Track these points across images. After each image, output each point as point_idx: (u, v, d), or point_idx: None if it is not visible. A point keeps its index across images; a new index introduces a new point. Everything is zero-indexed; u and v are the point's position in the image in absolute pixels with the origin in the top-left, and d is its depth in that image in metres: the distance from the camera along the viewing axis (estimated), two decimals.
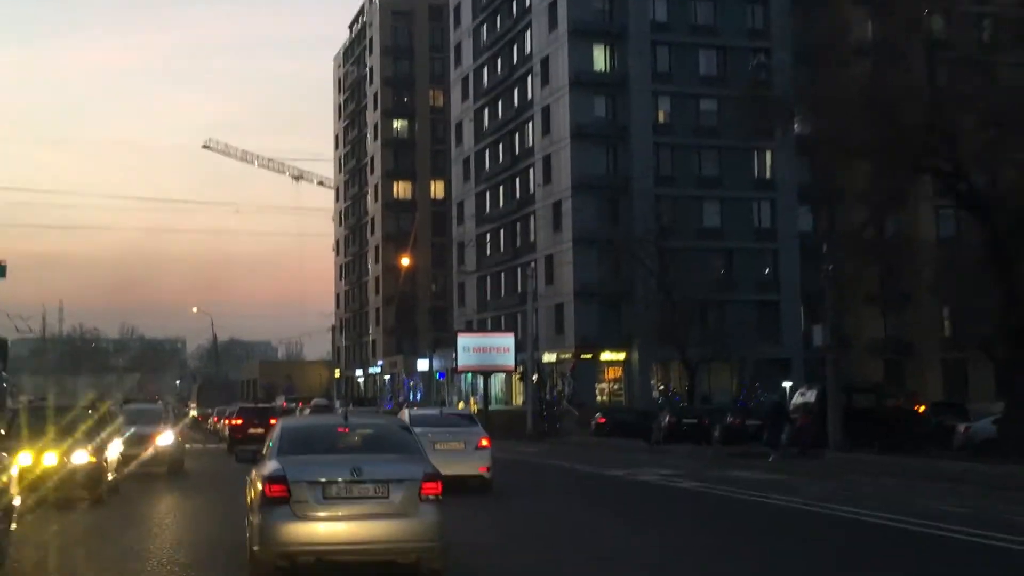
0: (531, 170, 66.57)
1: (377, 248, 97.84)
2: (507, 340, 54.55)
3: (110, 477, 16.60)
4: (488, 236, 73.35)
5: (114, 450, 17.35)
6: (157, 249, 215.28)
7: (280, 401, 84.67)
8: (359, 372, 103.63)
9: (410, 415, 20.24)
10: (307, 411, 43.26)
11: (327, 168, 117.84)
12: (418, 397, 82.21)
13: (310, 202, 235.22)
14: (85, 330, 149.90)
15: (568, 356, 59.73)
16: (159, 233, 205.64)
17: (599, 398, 60.66)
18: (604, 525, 14.79)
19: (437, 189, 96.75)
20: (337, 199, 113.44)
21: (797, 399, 33.18)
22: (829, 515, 15.54)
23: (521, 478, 24.88)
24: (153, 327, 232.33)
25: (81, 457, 14.97)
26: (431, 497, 9.09)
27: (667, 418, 39.48)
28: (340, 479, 8.96)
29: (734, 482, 20.89)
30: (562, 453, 35.09)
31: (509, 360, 54.02)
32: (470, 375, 75.75)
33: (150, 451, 21.47)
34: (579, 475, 24.81)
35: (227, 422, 36.06)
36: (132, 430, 20.97)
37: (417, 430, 16.85)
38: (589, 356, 60.21)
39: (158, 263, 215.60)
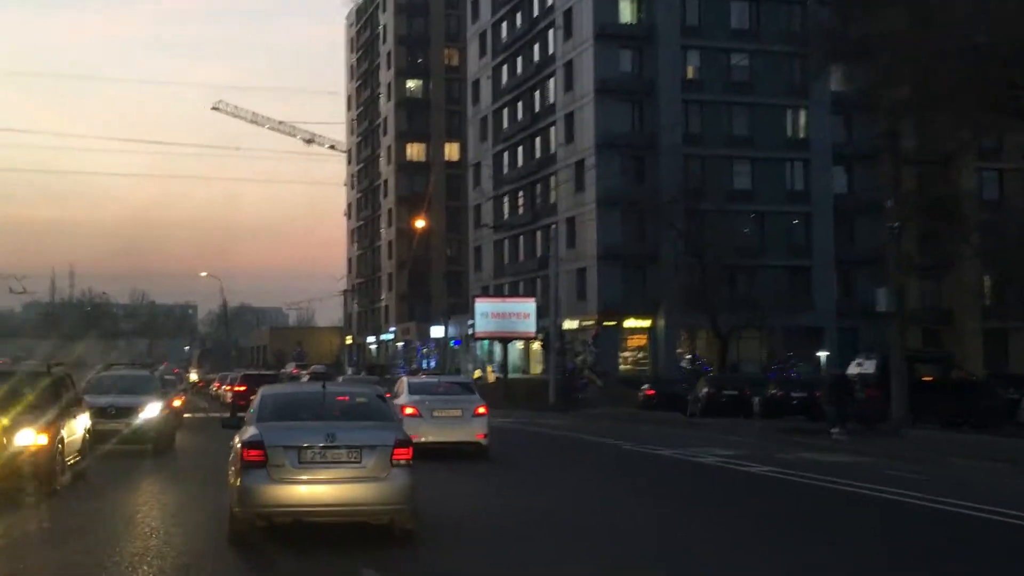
0: (552, 128, 63.30)
1: (390, 211, 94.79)
2: (528, 305, 51.61)
3: (70, 462, 13.26)
4: (506, 198, 70.20)
5: (79, 427, 14.00)
6: (167, 215, 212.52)
7: (290, 368, 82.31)
8: (371, 339, 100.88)
9: (409, 383, 20.34)
10: (306, 378, 40.94)
11: (338, 133, 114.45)
12: (432, 364, 79.42)
13: (321, 168, 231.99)
14: (94, 294, 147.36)
15: (590, 323, 56.72)
16: (168, 198, 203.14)
17: (622, 367, 57.72)
18: (686, 528, 11.83)
19: (452, 151, 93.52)
20: (349, 162, 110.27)
21: (854, 369, 30.11)
22: (953, 512, 12.62)
23: (550, 455, 22.07)
24: (164, 293, 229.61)
25: (27, 438, 11.80)
26: (402, 462, 9.44)
27: (705, 389, 36.44)
28: (315, 444, 9.30)
29: (810, 466, 17.85)
30: (592, 427, 32.16)
31: (530, 326, 51.12)
32: (486, 342, 73.09)
33: (132, 425, 18.13)
34: (621, 454, 21.90)
35: (228, 388, 35.94)
36: (109, 400, 18.03)
37: (415, 398, 18.36)
38: (612, 323, 57.19)
39: (168, 230, 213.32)
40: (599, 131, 57.12)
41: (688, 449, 21.79)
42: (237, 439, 9.87)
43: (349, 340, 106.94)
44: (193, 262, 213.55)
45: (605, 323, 56.87)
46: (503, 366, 52.87)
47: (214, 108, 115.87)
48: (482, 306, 51.72)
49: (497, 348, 70.88)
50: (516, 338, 52.85)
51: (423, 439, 16.52)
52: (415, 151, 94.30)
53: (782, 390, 34.77)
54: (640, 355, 59.15)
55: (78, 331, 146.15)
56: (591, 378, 51.45)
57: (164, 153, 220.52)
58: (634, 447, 22.65)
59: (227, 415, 31.22)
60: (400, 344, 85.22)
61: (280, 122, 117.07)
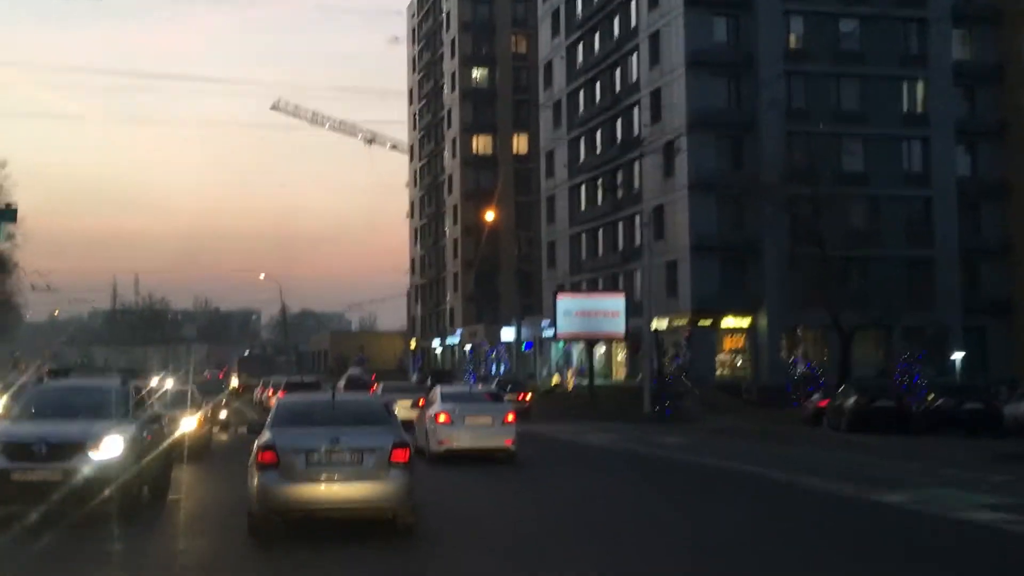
0: (636, 108, 56.89)
1: (455, 208, 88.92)
2: (616, 302, 45.35)
3: None
4: (583, 188, 63.91)
5: None
6: (229, 223, 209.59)
7: (351, 372, 76.65)
8: (436, 343, 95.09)
9: (442, 392, 20.85)
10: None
11: (400, 132, 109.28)
12: (502, 370, 73.40)
13: (382, 170, 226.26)
14: (154, 300, 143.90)
15: (683, 322, 50.18)
16: (229, 205, 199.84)
17: (719, 372, 51.10)
18: None
19: (520, 143, 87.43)
20: (412, 159, 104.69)
21: None
22: None
23: (730, 505, 14.52)
24: (227, 300, 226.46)
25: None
26: (399, 463, 10.50)
27: (852, 398, 29.82)
28: (321, 447, 10.36)
29: None
30: (721, 447, 25.78)
31: (618, 326, 44.86)
32: (561, 344, 66.83)
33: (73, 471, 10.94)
34: (826, 502, 14.56)
35: (270, 394, 36.92)
36: (34, 432, 11.34)
37: (448, 406, 18.94)
38: (708, 322, 50.64)
39: (230, 237, 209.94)
40: (691, 109, 50.62)
41: (918, 493, 14.85)
42: (255, 443, 10.88)
43: (413, 344, 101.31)
44: (256, 269, 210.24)
45: (699, 322, 50.36)
46: (588, 371, 46.55)
47: (273, 108, 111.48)
48: (565, 303, 45.52)
49: (575, 351, 64.70)
50: (604, 338, 46.60)
51: (455, 444, 18.56)
52: (481, 144, 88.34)
53: (947, 398, 28.04)
54: (737, 359, 52.49)
55: (139, 337, 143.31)
56: (686, 385, 44.98)
57: (224, 161, 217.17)
58: (826, 485, 15.97)
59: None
60: (467, 348, 79.22)
61: (340, 121, 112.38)
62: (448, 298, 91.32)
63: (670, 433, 31.63)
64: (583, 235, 63.74)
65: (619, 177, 59.12)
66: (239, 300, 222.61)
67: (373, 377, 70.62)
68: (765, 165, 48.67)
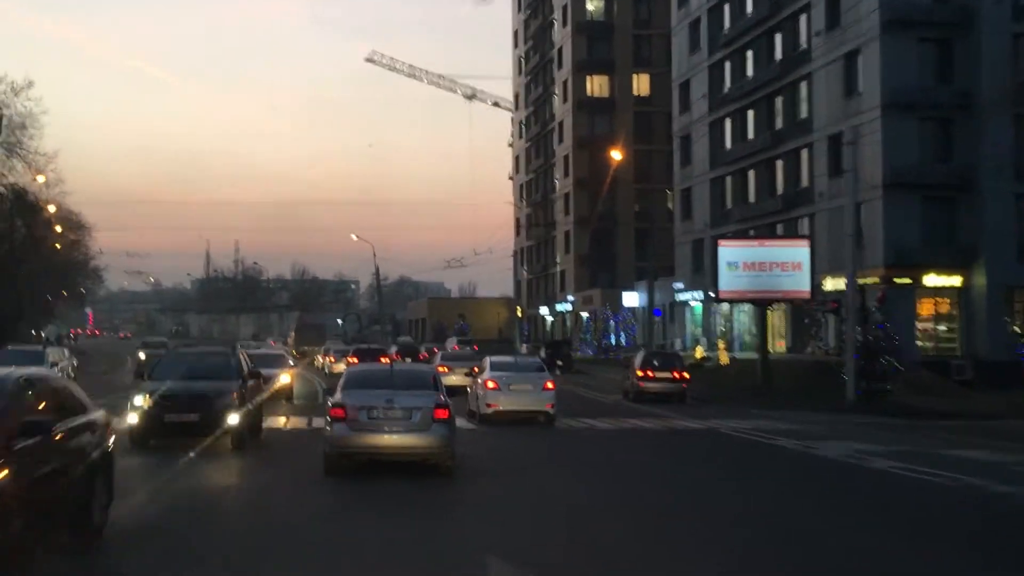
0: (802, 16, 45.11)
1: (567, 159, 77.87)
2: (798, 251, 33.83)
3: None
4: (728, 122, 52.33)
5: None
6: (324, 190, 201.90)
7: (452, 343, 67.01)
8: (544, 310, 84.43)
9: (491, 362, 22.93)
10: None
11: (503, 89, 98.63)
12: (622, 339, 62.42)
13: (484, 130, 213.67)
14: (246, 267, 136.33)
15: (872, 281, 38.40)
16: (324, 172, 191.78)
17: (920, 343, 39.33)
18: None
19: (641, 84, 75.84)
20: (516, 107, 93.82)
21: None
22: None
23: None
24: (325, 269, 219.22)
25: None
26: (441, 419, 13.01)
27: None
28: (379, 405, 13.02)
29: None
30: None
31: (801, 282, 33.43)
32: (697, 309, 55.56)
33: None
34: None
35: (331, 360, 40.78)
36: None
37: (496, 374, 21.73)
38: (905, 280, 38.90)
39: (325, 203, 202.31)
40: (882, 4, 38.69)
41: None
42: (329, 401, 14.09)
43: (519, 312, 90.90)
44: (355, 240, 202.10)
45: (895, 280, 38.63)
46: (761, 339, 35.18)
47: (368, 60, 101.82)
48: (729, 252, 34.15)
49: (718, 317, 53.34)
50: (782, 299, 35.22)
51: (501, 407, 21.29)
52: (596, 85, 76.97)
53: None
54: (942, 327, 40.61)
55: (233, 305, 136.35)
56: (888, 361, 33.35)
57: (318, 127, 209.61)
58: None
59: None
60: (584, 315, 68.27)
61: (440, 75, 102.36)
62: (558, 260, 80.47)
63: (931, 434, 20.55)
64: (728, 179, 52.24)
65: (778, 103, 47.38)
66: (338, 269, 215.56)
67: (476, 348, 61.18)
68: (983, 75, 36.80)
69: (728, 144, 52.05)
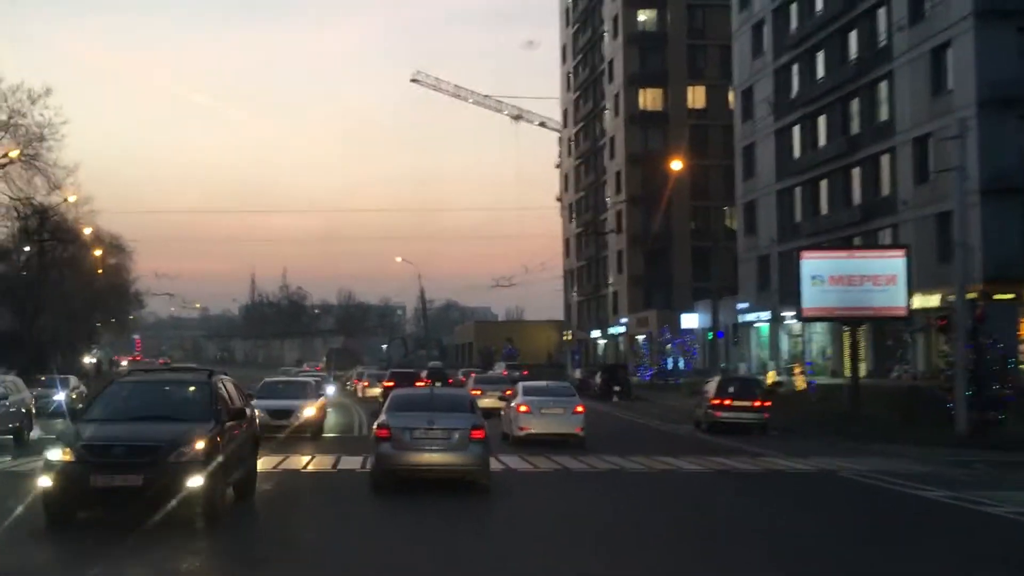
0: (880, 10, 41.24)
1: (618, 175, 74.21)
2: (893, 262, 29.78)
3: None
4: (796, 130, 48.49)
5: None
6: (368, 216, 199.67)
7: (500, 368, 63.37)
8: (596, 333, 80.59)
9: (523, 387, 23.78)
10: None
11: (550, 110, 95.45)
12: (683, 364, 58.41)
13: (531, 152, 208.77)
14: (291, 292, 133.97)
15: (971, 296, 34.14)
16: (369, 197, 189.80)
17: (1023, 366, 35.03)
18: None
19: (696, 96, 72.12)
20: (565, 124, 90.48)
21: None
22: None
23: None
24: (371, 294, 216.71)
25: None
26: (478, 439, 13.97)
27: None
28: (421, 426, 13.94)
29: None
30: None
31: (896, 298, 29.43)
32: (764, 330, 51.55)
33: None
34: None
35: (366, 384, 42.58)
36: None
37: (528, 398, 22.36)
38: (1008, 296, 34.70)
39: (370, 227, 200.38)
40: None
41: None
42: (375, 423, 14.85)
43: (568, 335, 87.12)
44: (399, 262, 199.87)
45: (996, 295, 34.41)
46: (853, 360, 31.10)
47: (413, 80, 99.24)
48: (814, 265, 30.24)
49: (785, 339, 49.25)
50: (872, 318, 31.16)
51: (532, 430, 21.73)
52: (649, 98, 73.36)
53: None
54: None
55: (278, 331, 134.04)
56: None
57: (363, 150, 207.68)
58: None
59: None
60: (640, 338, 64.38)
61: (485, 95, 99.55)
62: (610, 281, 76.68)
63: None
64: (796, 190, 48.32)
65: (854, 106, 43.46)
66: (384, 294, 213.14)
67: (525, 373, 57.68)
68: None
69: (796, 152, 48.17)
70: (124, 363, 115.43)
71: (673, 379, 52.02)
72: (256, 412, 14.56)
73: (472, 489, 13.97)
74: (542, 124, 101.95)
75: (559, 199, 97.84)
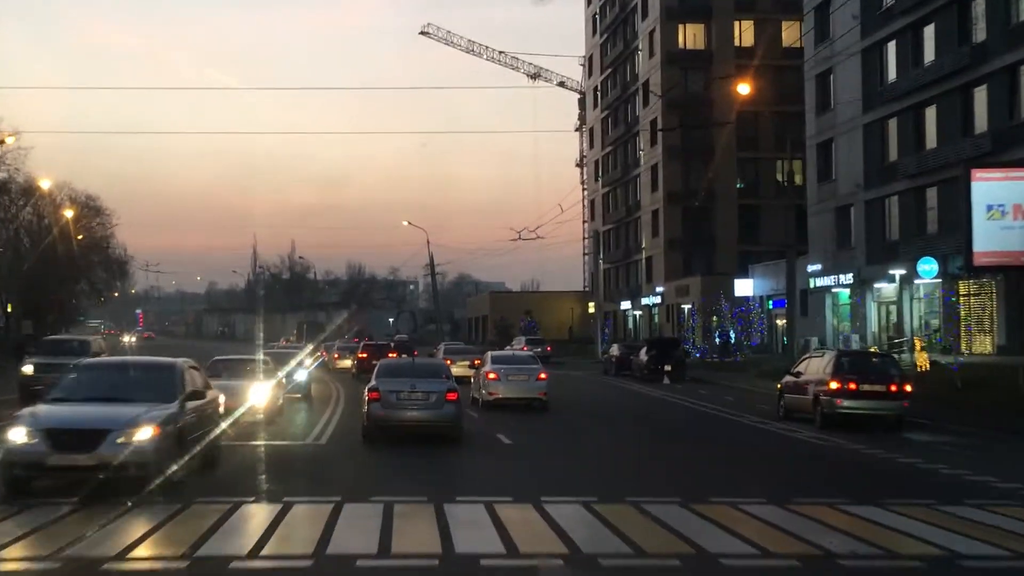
0: None
1: (653, 125, 64.20)
2: None
3: None
4: (892, 45, 38.41)
5: None
6: (384, 187, 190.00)
7: (520, 343, 54.30)
8: (626, 304, 70.82)
9: (491, 356, 25.40)
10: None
11: (569, 69, 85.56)
12: (731, 336, 48.59)
13: (549, 116, 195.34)
14: (293, 263, 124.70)
15: None
16: (383, 168, 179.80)
17: None
18: None
19: (744, 32, 61.90)
20: (589, 72, 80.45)
21: None
22: None
23: None
24: (384, 268, 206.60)
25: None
26: (451, 400, 16.34)
27: None
28: (404, 390, 16.34)
29: None
30: None
31: None
32: (843, 296, 41.79)
33: None
34: None
35: (335, 356, 43.59)
36: None
37: (496, 367, 23.85)
38: None
39: (385, 201, 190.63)
40: None
41: None
42: (366, 387, 16.77)
43: (591, 307, 77.43)
44: (409, 234, 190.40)
45: None
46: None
47: (423, 33, 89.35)
48: (991, 190, 20.52)
49: (872, 310, 39.48)
50: None
51: (500, 395, 23.21)
52: (689, 35, 63.35)
53: None
54: None
55: (282, 304, 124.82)
56: None
57: (370, 106, 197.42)
58: None
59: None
60: (687, 307, 54.37)
61: (500, 52, 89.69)
62: (643, 246, 66.84)
63: None
64: (891, 121, 38.29)
65: (977, 7, 33.37)
66: (394, 267, 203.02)
67: (548, 349, 48.96)
68: None
69: (892, 75, 38.14)
70: (126, 338, 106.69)
71: (732, 356, 42.35)
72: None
73: (445, 440, 16.28)
74: (561, 84, 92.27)
75: (580, 164, 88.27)
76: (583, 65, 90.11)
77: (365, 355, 35.44)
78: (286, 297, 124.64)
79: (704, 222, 61.90)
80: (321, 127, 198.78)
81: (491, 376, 23.48)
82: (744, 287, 50.03)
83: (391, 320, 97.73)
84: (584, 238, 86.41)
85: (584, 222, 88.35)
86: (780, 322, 46.35)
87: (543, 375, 23.82)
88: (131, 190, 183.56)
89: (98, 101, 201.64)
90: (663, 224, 62.72)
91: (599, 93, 76.79)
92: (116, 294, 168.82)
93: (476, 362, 28.34)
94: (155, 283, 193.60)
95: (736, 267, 59.39)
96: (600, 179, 76.32)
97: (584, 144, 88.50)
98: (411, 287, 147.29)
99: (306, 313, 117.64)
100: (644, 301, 66.03)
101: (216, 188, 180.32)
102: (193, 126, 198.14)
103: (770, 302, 48.00)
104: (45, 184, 57.92)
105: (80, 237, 73.32)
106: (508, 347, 56.56)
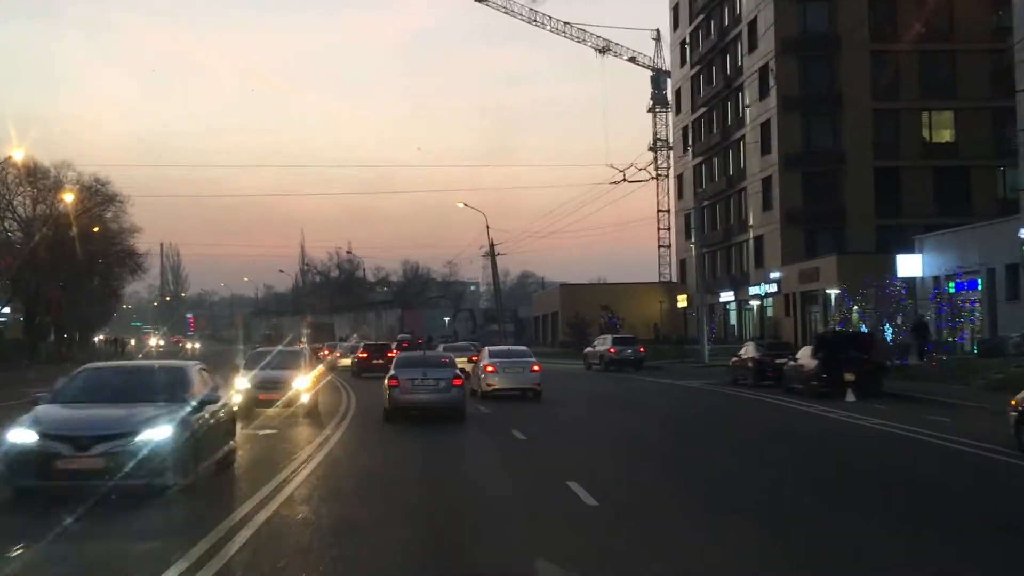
0: None
1: (763, 72, 51.26)
2: None
3: None
4: None
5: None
6: (445, 192, 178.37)
7: (605, 343, 42.05)
8: (727, 295, 57.83)
9: (489, 350, 27.19)
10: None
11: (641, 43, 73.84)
12: (945, 331, 35.48)
13: (618, 97, 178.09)
14: (340, 260, 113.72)
15: None
16: (443, 160, 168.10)
17: None
18: None
19: None
20: (676, 24, 67.52)
21: None
22: None
23: None
24: (436, 259, 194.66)
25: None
26: (457, 386, 19.14)
27: None
28: (418, 378, 19.05)
29: None
30: None
31: None
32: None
33: None
34: None
35: (338, 355, 45.08)
36: None
37: (494, 360, 25.35)
38: None
39: (444, 190, 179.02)
40: None
41: None
42: (386, 376, 19.86)
43: (683, 301, 64.52)
44: (462, 207, 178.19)
45: None
46: None
47: (478, 0, 77.54)
48: None
49: None
50: None
51: (498, 386, 24.61)
52: None
53: None
54: None
55: (328, 304, 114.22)
56: None
57: (424, 92, 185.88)
58: None
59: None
60: (833, 292, 41.12)
61: (566, 23, 78.27)
62: (750, 223, 53.87)
63: None
64: None
65: None
66: (453, 266, 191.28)
67: (642, 350, 36.25)
68: None
69: None
70: (153, 341, 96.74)
71: (932, 358, 29.14)
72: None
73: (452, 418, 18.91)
74: (632, 59, 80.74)
75: (652, 148, 76.45)
76: (655, 39, 78.70)
77: (365, 355, 38.48)
78: (338, 296, 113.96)
79: (830, 189, 48.87)
80: (366, 118, 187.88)
81: (489, 369, 24.96)
82: (910, 265, 36.87)
83: (447, 320, 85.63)
84: (660, 229, 74.50)
85: (660, 211, 76.79)
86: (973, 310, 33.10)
87: (536, 367, 25.15)
88: (181, 194, 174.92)
89: (146, 104, 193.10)
90: (778, 194, 49.76)
91: (687, 46, 63.94)
92: (168, 298, 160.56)
93: (473, 358, 30.19)
94: (207, 288, 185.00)
95: (875, 243, 46.54)
96: (690, 149, 63.43)
97: (661, 121, 76.29)
98: (471, 288, 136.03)
99: (355, 314, 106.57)
100: (752, 290, 53.03)
101: (268, 191, 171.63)
102: (250, 132, 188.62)
103: (951, 284, 34.77)
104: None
105: (96, 229, 62.64)
106: (589, 347, 44.29)
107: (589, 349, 44.00)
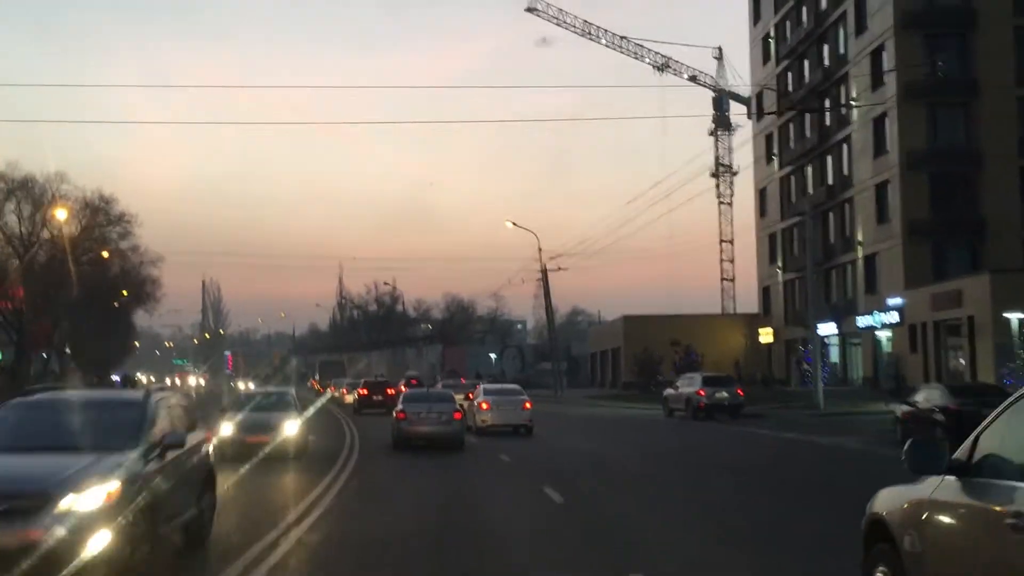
0: None
1: (876, 56, 42.17)
2: None
3: None
4: None
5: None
6: (482, 215, 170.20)
7: (693, 384, 32.52)
8: (828, 329, 48.18)
9: (484, 388, 29.67)
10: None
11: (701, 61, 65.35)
12: None
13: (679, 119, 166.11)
14: (380, 293, 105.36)
15: None
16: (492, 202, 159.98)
17: None
18: None
19: None
20: (756, 18, 58.64)
21: None
22: None
23: None
24: (488, 304, 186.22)
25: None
26: (457, 419, 21.19)
27: None
28: (423, 412, 21.01)
29: None
30: None
31: None
32: None
33: None
34: None
35: (344, 392, 46.54)
36: None
37: (488, 397, 27.11)
38: None
39: (496, 236, 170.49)
40: None
41: None
42: (395, 410, 21.96)
43: (769, 335, 55.04)
44: (510, 227, 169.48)
45: None
46: None
47: (529, 10, 70.20)
48: None
49: None
50: None
51: (491, 422, 26.03)
52: None
53: None
54: None
55: (366, 341, 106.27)
56: None
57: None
58: None
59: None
60: (1014, 317, 31.51)
61: (622, 37, 70.60)
62: (859, 239, 44.42)
63: None
64: None
65: None
66: (499, 301, 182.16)
67: (741, 392, 27.20)
68: None
69: None
70: (193, 381, 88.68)
71: None
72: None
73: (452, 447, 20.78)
74: (693, 78, 72.49)
75: (713, 175, 68.28)
76: (716, 58, 70.88)
77: (365, 391, 39.36)
78: (377, 332, 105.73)
79: (965, 195, 39.48)
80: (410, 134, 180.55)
81: (484, 406, 26.51)
82: None
83: (493, 357, 76.73)
84: (723, 260, 65.60)
85: (723, 240, 68.36)
86: None
87: (528, 404, 26.40)
88: (227, 233, 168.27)
89: (192, 138, 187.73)
90: (898, 203, 40.37)
91: (771, 40, 55.02)
92: (207, 335, 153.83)
93: (469, 396, 30.82)
94: (247, 326, 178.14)
95: (1020, 258, 37.13)
96: (776, 158, 54.26)
97: (723, 144, 68.03)
98: (518, 326, 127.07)
99: (394, 350, 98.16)
100: (863, 321, 43.45)
101: (312, 228, 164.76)
102: (300, 171, 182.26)
103: None
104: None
105: (106, 254, 54.74)
106: (670, 389, 35.20)
107: (670, 391, 34.82)
